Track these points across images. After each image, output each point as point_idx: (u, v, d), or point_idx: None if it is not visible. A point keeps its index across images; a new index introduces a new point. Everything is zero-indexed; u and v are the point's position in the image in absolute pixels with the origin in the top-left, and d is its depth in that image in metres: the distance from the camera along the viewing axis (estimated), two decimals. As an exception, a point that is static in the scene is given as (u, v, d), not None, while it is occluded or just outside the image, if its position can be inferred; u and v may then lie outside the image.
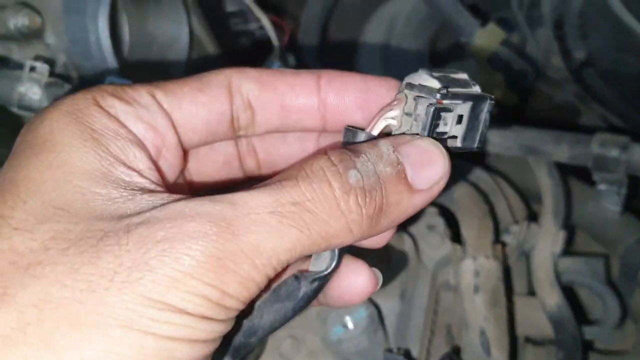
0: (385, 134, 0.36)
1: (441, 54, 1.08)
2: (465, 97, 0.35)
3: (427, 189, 0.34)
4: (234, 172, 0.42)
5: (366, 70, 1.06)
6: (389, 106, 0.36)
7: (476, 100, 0.35)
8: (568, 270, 0.79)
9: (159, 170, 0.36)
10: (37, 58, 0.64)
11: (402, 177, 0.33)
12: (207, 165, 0.42)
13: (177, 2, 0.78)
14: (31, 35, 0.67)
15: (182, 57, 0.82)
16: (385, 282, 0.69)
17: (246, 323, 0.36)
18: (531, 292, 0.78)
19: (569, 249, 0.81)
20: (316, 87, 0.38)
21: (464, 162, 0.81)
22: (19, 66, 0.61)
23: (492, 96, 0.36)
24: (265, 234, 0.30)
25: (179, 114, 0.37)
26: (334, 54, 1.06)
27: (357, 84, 0.38)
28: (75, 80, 0.62)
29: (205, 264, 0.28)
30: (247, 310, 0.38)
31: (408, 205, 0.34)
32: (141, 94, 0.36)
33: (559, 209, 0.78)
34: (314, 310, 0.66)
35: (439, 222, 0.76)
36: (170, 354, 0.29)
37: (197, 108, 0.37)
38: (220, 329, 0.30)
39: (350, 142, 0.36)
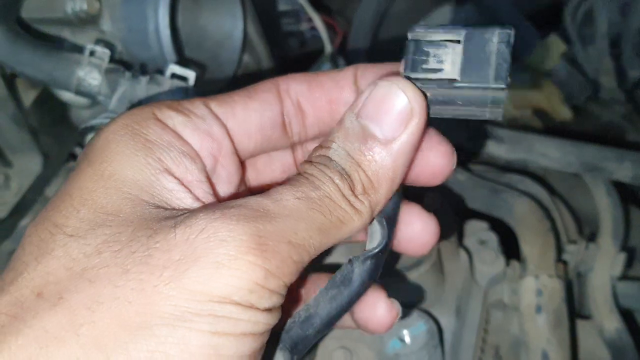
0: None
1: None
2: (459, 28, 0.33)
3: (402, 132, 0.34)
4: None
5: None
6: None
7: (475, 29, 0.32)
8: (625, 295, 0.75)
9: (211, 183, 0.37)
10: (98, 42, 0.62)
11: (372, 141, 0.34)
12: (265, 175, 0.43)
13: (234, -1, 0.76)
14: (87, 21, 0.65)
15: (235, 55, 0.79)
16: (441, 297, 0.67)
17: (302, 314, 0.36)
18: (584, 316, 0.75)
19: (624, 274, 0.78)
20: (355, 79, 0.40)
21: (522, 176, 0.78)
22: (77, 50, 0.59)
23: (509, 29, 0.32)
24: (297, 217, 0.32)
25: (232, 121, 0.38)
26: (383, 59, 1.03)
27: (389, 70, 0.39)
28: (137, 68, 0.59)
29: (248, 243, 0.29)
30: (293, 305, 0.39)
31: (393, 158, 0.34)
32: (197, 105, 0.37)
33: (618, 229, 0.75)
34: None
35: (492, 238, 0.73)
36: (217, 351, 0.29)
37: (250, 114, 0.38)
38: (267, 320, 0.31)
39: None
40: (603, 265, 0.73)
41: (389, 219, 0.37)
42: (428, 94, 0.34)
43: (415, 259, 0.61)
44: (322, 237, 0.33)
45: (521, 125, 1.04)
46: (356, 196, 0.34)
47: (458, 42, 0.33)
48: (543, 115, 1.02)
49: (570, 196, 0.87)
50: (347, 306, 0.37)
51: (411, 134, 0.34)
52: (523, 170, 0.84)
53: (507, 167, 0.85)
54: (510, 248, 0.72)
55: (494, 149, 0.78)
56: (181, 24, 0.71)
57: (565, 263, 0.69)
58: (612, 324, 0.70)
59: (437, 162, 0.37)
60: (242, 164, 0.40)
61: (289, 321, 0.37)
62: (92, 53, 0.58)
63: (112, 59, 0.59)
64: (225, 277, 0.29)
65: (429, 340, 0.57)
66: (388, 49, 1.04)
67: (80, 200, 0.33)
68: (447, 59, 0.33)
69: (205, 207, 0.32)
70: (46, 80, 0.57)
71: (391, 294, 0.40)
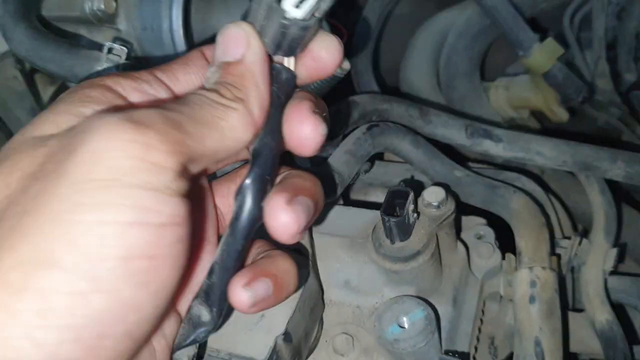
0: None
1: (492, 68, 1.09)
2: None
3: (247, 50, 0.40)
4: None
5: (415, 78, 1.07)
6: None
7: None
8: (615, 289, 0.78)
9: None
10: (115, 40, 0.65)
11: (227, 65, 0.40)
12: None
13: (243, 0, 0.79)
14: (104, 20, 0.68)
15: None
16: (439, 287, 0.70)
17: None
18: (576, 309, 0.78)
19: (615, 270, 0.81)
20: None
21: (518, 174, 0.81)
22: (95, 47, 0.62)
23: None
24: (175, 110, 0.36)
25: (177, 85, 0.42)
26: (386, 62, 1.07)
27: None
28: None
29: (122, 124, 0.32)
30: None
31: (247, 68, 0.40)
32: (143, 73, 0.41)
33: (611, 226, 0.78)
34: (367, 308, 0.66)
35: (488, 232, 0.76)
36: (101, 241, 0.30)
37: (190, 77, 0.43)
38: (168, 206, 0.33)
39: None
40: (595, 260, 0.76)
41: (257, 152, 0.42)
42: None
43: (415, 250, 0.64)
44: (205, 130, 0.36)
45: (519, 126, 1.08)
46: (228, 99, 0.39)
47: None
48: (540, 116, 1.05)
49: (565, 194, 0.90)
50: (240, 238, 0.42)
51: (255, 48, 0.40)
52: (520, 169, 0.87)
53: (505, 166, 0.88)
54: (507, 242, 0.75)
55: (492, 147, 0.81)
56: (193, 23, 0.75)
57: (558, 256, 0.72)
58: (603, 315, 0.73)
59: (305, 130, 0.42)
60: None
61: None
62: (110, 50, 0.61)
63: (129, 56, 0.62)
64: (105, 160, 0.30)
65: (426, 326, 0.60)
66: (391, 50, 1.08)
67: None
68: None
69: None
70: (67, 76, 0.60)
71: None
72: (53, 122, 0.36)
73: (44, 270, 0.28)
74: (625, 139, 1.12)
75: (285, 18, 0.39)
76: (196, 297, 0.43)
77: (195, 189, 0.44)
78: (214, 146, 0.37)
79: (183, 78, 0.43)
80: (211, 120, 0.37)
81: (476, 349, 0.71)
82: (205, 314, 0.42)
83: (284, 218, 0.40)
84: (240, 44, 0.39)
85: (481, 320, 0.73)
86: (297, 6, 0.40)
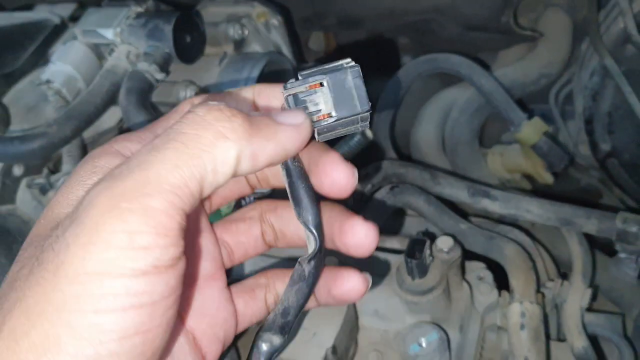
0: None
1: (489, 136, 1.29)
2: (319, 73, 0.38)
3: (290, 124, 0.37)
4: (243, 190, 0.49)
5: (424, 143, 1.26)
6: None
7: (332, 72, 0.38)
8: (592, 324, 0.96)
9: None
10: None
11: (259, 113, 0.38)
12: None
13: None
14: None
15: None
16: (448, 317, 0.87)
17: (280, 307, 0.43)
18: (560, 339, 0.95)
19: (591, 307, 0.99)
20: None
21: (511, 227, 1.00)
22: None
23: (350, 61, 0.39)
24: (151, 160, 0.33)
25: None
26: (398, 129, 1.26)
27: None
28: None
29: (103, 212, 0.32)
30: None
31: (275, 122, 0.37)
32: (146, 133, 0.41)
33: (587, 270, 0.96)
34: (393, 331, 0.84)
35: (488, 275, 0.94)
36: (100, 328, 0.32)
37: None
38: (148, 286, 0.32)
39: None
40: (574, 298, 0.93)
41: (317, 226, 0.42)
42: (316, 129, 0.41)
43: (430, 286, 0.82)
44: (184, 171, 0.33)
45: (512, 186, 1.27)
46: (223, 122, 0.34)
47: (322, 85, 0.39)
48: (530, 179, 1.25)
49: (552, 244, 1.08)
50: (309, 295, 0.44)
51: (296, 127, 0.38)
52: (513, 223, 1.06)
53: (500, 220, 1.06)
54: (502, 282, 0.93)
55: (489, 205, 1.00)
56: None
57: (543, 294, 0.90)
58: (580, 343, 0.90)
59: (337, 175, 0.41)
60: None
61: (270, 316, 0.44)
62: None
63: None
64: (94, 254, 0.31)
65: (440, 346, 0.78)
66: (403, 119, 1.27)
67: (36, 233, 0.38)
68: (320, 100, 0.39)
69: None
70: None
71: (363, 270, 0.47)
72: (66, 199, 0.38)
73: (54, 355, 0.31)
74: (605, 199, 1.31)
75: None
76: (265, 330, 0.44)
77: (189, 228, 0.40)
78: (199, 185, 0.34)
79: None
80: (192, 156, 0.33)
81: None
82: (276, 339, 0.44)
83: (362, 232, 0.44)
84: (290, 117, 0.38)
85: (482, 347, 0.90)
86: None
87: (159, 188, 0.32)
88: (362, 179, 1.01)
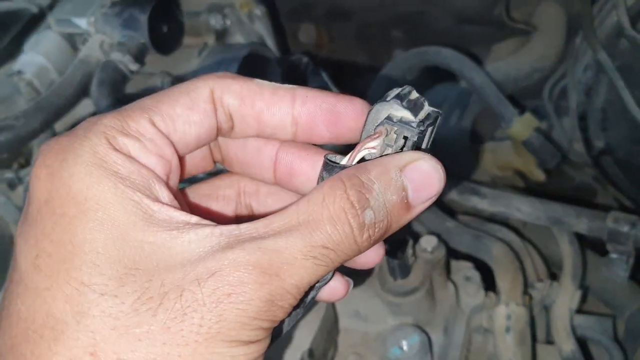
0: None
1: (481, 136, 1.26)
2: (431, 121, 0.38)
3: (424, 206, 0.37)
4: (207, 165, 0.46)
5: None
6: (370, 138, 0.38)
7: (435, 120, 0.39)
8: (581, 326, 0.93)
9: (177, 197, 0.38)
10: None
11: (404, 202, 0.36)
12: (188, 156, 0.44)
13: (276, 80, 0.97)
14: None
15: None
16: (432, 319, 0.85)
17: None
18: (549, 342, 0.93)
19: (581, 309, 0.96)
20: (291, 106, 0.40)
21: (500, 226, 0.97)
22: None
23: (441, 111, 0.39)
24: (303, 274, 0.34)
25: (175, 136, 0.38)
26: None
27: (328, 106, 0.40)
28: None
29: (263, 307, 0.34)
30: None
31: (404, 221, 0.37)
32: (144, 125, 0.37)
33: (577, 271, 0.94)
34: (374, 333, 0.81)
35: (475, 275, 0.91)
36: None
37: (191, 127, 0.38)
38: (266, 344, 0.36)
39: (330, 172, 0.39)
40: (563, 299, 0.91)
41: None
42: None
43: (413, 287, 0.80)
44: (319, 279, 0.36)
45: (504, 184, 1.24)
46: (371, 242, 0.36)
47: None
48: (522, 176, 1.22)
49: (543, 245, 1.06)
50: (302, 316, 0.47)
51: (425, 208, 0.38)
52: (504, 222, 1.03)
53: (491, 219, 1.04)
54: (490, 282, 0.91)
55: (478, 203, 0.98)
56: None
57: (530, 296, 0.88)
58: (568, 346, 0.87)
59: (374, 256, 0.44)
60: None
61: None
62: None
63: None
64: (247, 331, 0.34)
65: (421, 349, 0.75)
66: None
67: (94, 254, 0.33)
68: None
69: (219, 262, 0.34)
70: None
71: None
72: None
73: None
74: (600, 197, 1.28)
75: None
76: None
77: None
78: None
79: (182, 128, 0.38)
80: (330, 267, 0.36)
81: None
82: None
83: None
84: (428, 198, 0.37)
85: (468, 350, 0.88)
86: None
87: (301, 292, 0.35)
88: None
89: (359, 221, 0.35)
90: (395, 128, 0.37)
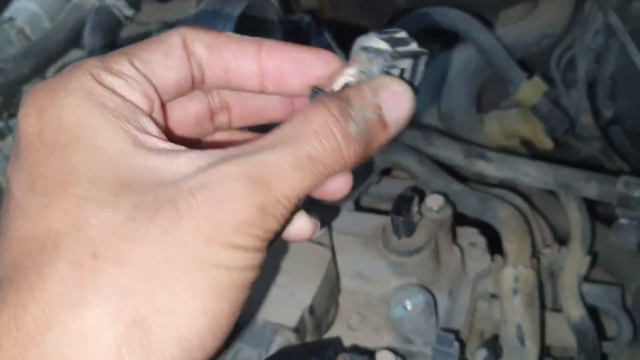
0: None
1: (487, 105, 1.23)
2: (409, 55, 0.40)
3: (398, 125, 0.40)
4: (207, 129, 0.47)
5: (419, 108, 1.21)
6: (347, 66, 0.41)
7: (416, 56, 0.41)
8: (589, 295, 0.91)
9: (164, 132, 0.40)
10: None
11: (381, 120, 0.39)
12: (181, 125, 0.45)
13: (277, 36, 0.93)
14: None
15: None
16: (437, 280, 0.82)
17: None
18: (556, 309, 0.90)
19: (589, 278, 0.93)
20: (257, 56, 0.42)
21: (507, 191, 0.94)
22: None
23: (427, 51, 0.41)
24: (292, 184, 0.36)
25: (155, 80, 0.39)
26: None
27: (293, 55, 0.42)
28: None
29: (255, 214, 0.35)
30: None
31: (383, 140, 0.40)
32: (126, 66, 0.38)
33: (586, 237, 0.91)
34: (377, 294, 0.78)
35: (481, 240, 0.89)
36: (242, 279, 0.36)
37: (169, 73, 0.40)
38: (262, 257, 0.37)
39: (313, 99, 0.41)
40: (572, 265, 0.88)
41: None
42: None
43: (417, 246, 0.77)
44: (308, 192, 0.37)
45: (511, 153, 1.21)
46: (357, 157, 0.38)
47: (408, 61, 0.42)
48: (529, 145, 1.19)
49: (550, 214, 1.03)
50: None
51: (400, 128, 0.40)
52: (511, 188, 1.00)
53: (497, 185, 1.01)
54: (496, 250, 0.88)
55: (484, 167, 0.95)
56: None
57: (538, 259, 0.85)
58: (577, 312, 0.85)
59: (342, 185, 0.43)
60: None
61: None
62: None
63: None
64: (242, 235, 0.35)
65: (425, 309, 0.72)
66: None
67: (89, 174, 0.35)
68: (397, 74, 0.41)
69: (212, 176, 0.35)
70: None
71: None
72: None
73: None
74: (606, 170, 1.25)
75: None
76: None
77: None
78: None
79: (160, 73, 0.40)
80: (321, 178, 0.37)
81: (468, 339, 0.83)
82: None
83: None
84: (402, 120, 0.40)
85: (473, 316, 0.85)
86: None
87: (293, 204, 0.37)
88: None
89: (343, 132, 0.37)
90: (371, 56, 0.40)
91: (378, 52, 0.40)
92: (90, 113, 0.36)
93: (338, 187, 0.44)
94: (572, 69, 1.22)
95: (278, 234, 0.39)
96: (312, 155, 0.37)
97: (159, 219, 0.34)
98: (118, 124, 0.36)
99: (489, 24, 1.16)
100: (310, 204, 0.44)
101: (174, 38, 0.40)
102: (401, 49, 0.40)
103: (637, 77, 1.05)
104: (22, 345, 0.32)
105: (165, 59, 0.40)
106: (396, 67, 0.40)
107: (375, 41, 0.40)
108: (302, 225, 0.45)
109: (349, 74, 0.41)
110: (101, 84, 0.37)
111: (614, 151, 1.22)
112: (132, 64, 0.38)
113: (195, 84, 0.42)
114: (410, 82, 0.41)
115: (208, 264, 0.34)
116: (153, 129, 0.38)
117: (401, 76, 0.40)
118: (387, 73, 0.40)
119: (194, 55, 0.41)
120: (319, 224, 0.47)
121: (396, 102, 0.40)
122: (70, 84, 0.37)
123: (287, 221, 0.38)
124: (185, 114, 0.45)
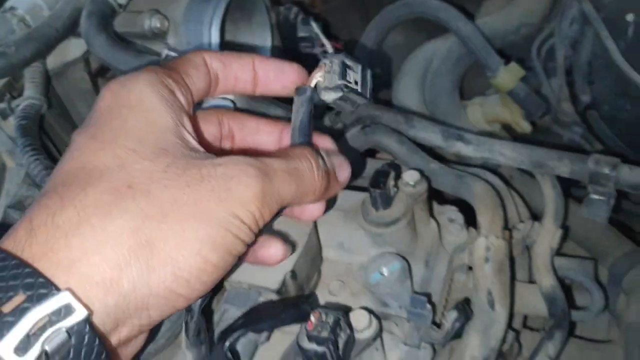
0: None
1: (468, 87, 1.28)
2: (358, 62, 0.58)
3: (343, 184, 0.59)
4: (214, 150, 0.57)
5: (405, 96, 1.26)
6: (317, 70, 0.57)
7: (364, 66, 0.59)
8: (562, 268, 0.95)
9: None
10: (170, 50, 0.84)
11: (335, 176, 0.56)
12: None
13: (265, 23, 0.99)
14: (158, 36, 0.88)
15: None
16: (413, 251, 0.87)
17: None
18: (532, 281, 0.95)
19: (562, 252, 0.98)
20: (253, 67, 0.58)
21: (483, 169, 0.99)
22: (155, 54, 0.82)
23: (364, 63, 0.59)
24: (284, 184, 0.49)
25: (192, 87, 0.53)
26: (380, 80, 1.25)
27: (276, 66, 0.58)
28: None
29: (258, 195, 0.46)
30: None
31: (336, 189, 0.57)
32: (178, 75, 0.52)
33: (559, 213, 0.95)
34: (357, 264, 0.83)
35: (459, 217, 0.93)
36: (232, 245, 0.46)
37: (200, 82, 0.54)
38: (252, 238, 0.48)
39: (300, 94, 0.57)
40: (544, 238, 0.93)
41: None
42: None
43: (394, 217, 0.82)
44: (290, 200, 0.51)
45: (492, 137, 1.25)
46: (323, 185, 0.55)
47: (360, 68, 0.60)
48: (509, 130, 1.24)
49: (528, 196, 1.07)
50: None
51: (342, 187, 0.60)
52: (492, 170, 1.05)
53: (477, 166, 1.05)
54: (475, 226, 0.93)
55: (463, 148, 0.99)
56: (225, 41, 0.94)
57: (510, 232, 0.90)
58: (548, 281, 0.90)
59: (317, 209, 0.61)
60: None
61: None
62: (166, 57, 0.81)
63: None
64: (245, 210, 0.46)
65: (401, 275, 0.77)
66: (384, 71, 1.27)
67: (140, 137, 0.46)
68: (353, 78, 0.58)
69: (230, 160, 0.47)
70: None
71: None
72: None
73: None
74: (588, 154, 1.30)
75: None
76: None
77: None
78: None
79: (195, 82, 0.54)
80: (303, 196, 0.53)
81: (445, 308, 0.87)
82: None
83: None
84: (345, 182, 0.61)
85: (450, 287, 0.90)
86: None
87: (280, 201, 0.51)
88: (333, 118, 1.00)
89: (315, 162, 0.53)
90: (332, 59, 0.58)
91: (335, 55, 0.57)
92: (150, 96, 0.48)
93: (314, 210, 0.60)
94: (553, 58, 1.26)
95: (260, 233, 0.49)
96: (298, 168, 0.51)
97: (185, 175, 0.44)
98: (168, 110, 0.48)
99: (471, 15, 1.21)
100: None
101: (197, 58, 0.54)
102: (352, 57, 0.58)
103: (611, 63, 1.09)
104: (53, 237, 0.39)
105: (197, 73, 0.53)
106: (352, 69, 0.56)
107: (331, 54, 0.58)
108: (275, 251, 0.60)
109: (318, 76, 0.57)
110: (162, 82, 0.49)
111: (593, 135, 1.27)
112: (181, 75, 0.52)
113: (210, 91, 0.56)
114: (361, 93, 0.57)
115: (213, 219, 0.44)
116: (190, 128, 0.50)
117: (354, 89, 0.56)
118: (345, 69, 0.56)
119: (212, 69, 0.55)
120: (290, 249, 0.62)
121: (341, 166, 0.59)
122: (140, 77, 0.49)
123: (269, 225, 0.50)
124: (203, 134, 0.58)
